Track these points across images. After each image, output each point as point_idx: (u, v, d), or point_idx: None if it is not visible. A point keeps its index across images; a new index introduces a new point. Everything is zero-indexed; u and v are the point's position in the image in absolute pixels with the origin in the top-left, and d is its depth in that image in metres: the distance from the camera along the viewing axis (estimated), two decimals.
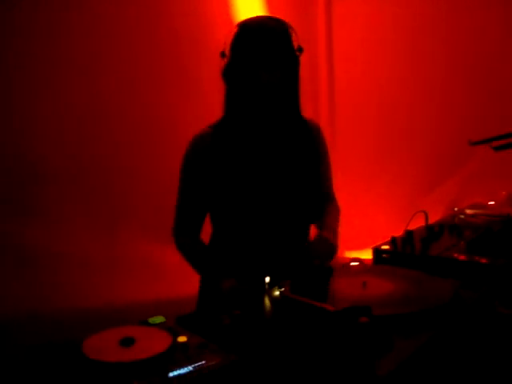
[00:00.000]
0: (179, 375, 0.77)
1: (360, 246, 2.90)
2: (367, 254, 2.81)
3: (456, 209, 2.07)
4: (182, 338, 0.88)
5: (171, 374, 0.77)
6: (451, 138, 2.54)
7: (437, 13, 2.63)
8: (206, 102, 2.50)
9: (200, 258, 1.48)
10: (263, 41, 1.34)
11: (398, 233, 2.68)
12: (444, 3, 2.65)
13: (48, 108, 2.11)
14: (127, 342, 0.84)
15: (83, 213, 2.21)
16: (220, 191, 1.42)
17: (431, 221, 1.89)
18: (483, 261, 1.39)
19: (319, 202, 1.52)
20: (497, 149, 1.97)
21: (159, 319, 0.99)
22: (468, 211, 2.01)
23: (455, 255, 1.45)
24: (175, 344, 0.86)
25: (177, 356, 0.83)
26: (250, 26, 1.38)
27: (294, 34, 1.40)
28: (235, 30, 1.40)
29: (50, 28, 2.08)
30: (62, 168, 2.19)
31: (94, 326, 2.06)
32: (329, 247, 1.38)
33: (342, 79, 2.79)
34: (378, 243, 2.90)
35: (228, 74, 1.40)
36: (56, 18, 2.09)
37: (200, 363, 0.81)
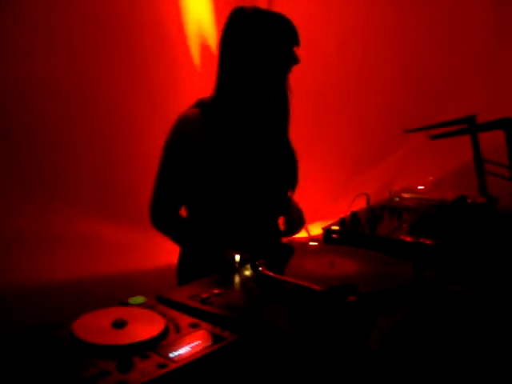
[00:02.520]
0: (179, 355, 0.78)
1: None
2: (300, 233, 2.93)
3: (391, 192, 2.19)
4: (171, 319, 0.88)
5: (171, 355, 0.77)
6: (387, 124, 2.67)
7: (374, 8, 2.73)
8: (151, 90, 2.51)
9: (188, 234, 1.49)
10: (297, 44, 1.48)
11: (333, 212, 2.80)
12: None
13: None
14: (119, 325, 0.83)
15: (16, 187, 2.10)
16: (209, 171, 1.44)
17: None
18: (428, 242, 1.49)
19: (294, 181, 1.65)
20: (433, 138, 2.11)
21: (140, 299, 0.98)
22: (404, 195, 2.13)
23: (402, 237, 1.54)
24: (167, 325, 0.85)
25: (171, 336, 0.83)
26: (291, 25, 1.47)
27: None
28: (261, 16, 1.45)
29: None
30: None
31: (37, 303, 1.99)
32: (301, 213, 1.67)
33: None
34: (314, 222, 3.01)
35: (243, 57, 1.44)
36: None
37: (196, 343, 0.81)
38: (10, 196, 2.08)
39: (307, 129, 2.91)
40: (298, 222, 1.69)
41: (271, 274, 1.03)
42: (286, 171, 1.62)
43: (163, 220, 1.48)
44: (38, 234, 2.12)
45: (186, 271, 1.57)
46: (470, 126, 2.20)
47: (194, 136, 1.43)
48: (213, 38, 2.84)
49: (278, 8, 2.92)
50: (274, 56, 1.45)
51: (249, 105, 1.51)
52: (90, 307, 2.01)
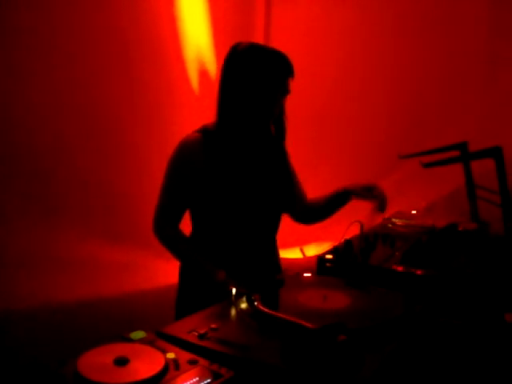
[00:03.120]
0: None
1: (287, 245, 3.04)
2: (295, 254, 2.97)
3: (384, 217, 2.24)
4: (170, 355, 0.93)
5: None
6: (381, 149, 2.73)
7: (372, 35, 2.80)
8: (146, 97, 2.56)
9: (185, 249, 1.63)
10: (292, 76, 1.58)
11: (328, 234, 2.85)
12: (386, 14, 2.81)
13: None
14: (122, 362, 0.87)
15: (20, 209, 2.14)
16: (208, 192, 1.58)
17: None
18: (419, 272, 1.54)
19: (288, 208, 1.78)
20: (426, 166, 2.17)
21: (140, 334, 1.02)
22: (396, 221, 2.18)
23: (394, 266, 1.59)
24: (167, 361, 0.90)
25: (171, 374, 0.87)
26: (285, 60, 1.57)
27: None
28: (257, 52, 1.56)
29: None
30: None
31: (39, 327, 2.02)
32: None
33: None
34: (310, 243, 3.05)
35: (240, 90, 1.55)
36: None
37: (194, 380, 0.86)
38: (11, 217, 2.11)
39: (304, 150, 2.97)
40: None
41: (266, 310, 1.08)
42: (282, 193, 1.72)
43: (164, 233, 1.62)
44: (40, 254, 2.15)
45: (185, 285, 1.68)
46: (462, 154, 2.25)
47: (193, 159, 1.56)
48: (211, 62, 2.89)
49: (275, 33, 3.00)
50: (267, 89, 1.56)
51: (246, 131, 1.62)
52: (93, 330, 2.05)
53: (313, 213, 1.89)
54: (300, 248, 2.86)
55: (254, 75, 1.54)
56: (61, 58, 2.22)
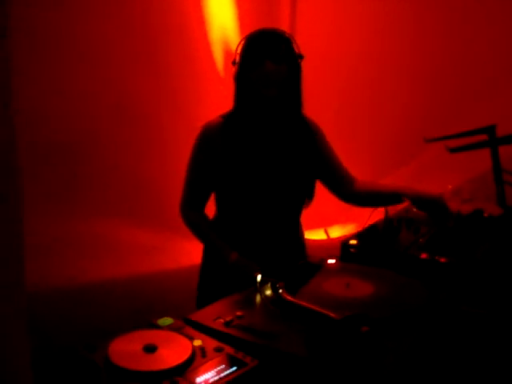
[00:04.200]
0: (205, 380, 0.85)
1: (311, 226, 3.05)
2: (320, 235, 2.99)
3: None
4: (197, 342, 0.96)
5: (198, 380, 0.85)
6: (406, 132, 2.70)
7: (401, 14, 2.75)
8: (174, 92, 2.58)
9: (205, 233, 1.69)
10: (269, 44, 1.58)
11: (352, 215, 2.84)
12: (409, 5, 2.76)
13: None
14: (150, 349, 0.90)
15: (51, 195, 2.19)
16: (227, 175, 1.64)
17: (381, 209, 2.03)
18: (442, 260, 1.54)
19: (310, 191, 1.77)
20: (453, 151, 2.14)
21: (168, 321, 1.05)
22: None
23: (418, 253, 1.59)
24: (194, 349, 0.93)
25: (197, 361, 0.90)
26: (256, 35, 1.61)
27: (294, 43, 1.66)
28: (244, 40, 1.63)
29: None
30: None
31: (68, 307, 2.07)
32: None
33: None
34: (329, 225, 3.06)
35: (238, 77, 1.63)
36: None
37: (220, 367, 0.89)
38: (42, 201, 2.16)
39: (328, 134, 2.96)
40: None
41: (290, 298, 1.10)
42: (306, 174, 1.73)
43: (188, 217, 1.70)
44: (68, 237, 2.21)
45: (208, 267, 1.75)
46: (489, 139, 2.21)
47: (212, 143, 1.64)
48: (236, 44, 2.88)
49: (300, 16, 2.97)
50: (244, 70, 1.62)
51: (258, 113, 1.67)
52: (119, 309, 2.10)
53: (359, 198, 1.89)
54: (324, 229, 2.87)
55: (239, 58, 1.63)
56: (86, 44, 2.25)
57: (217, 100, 2.68)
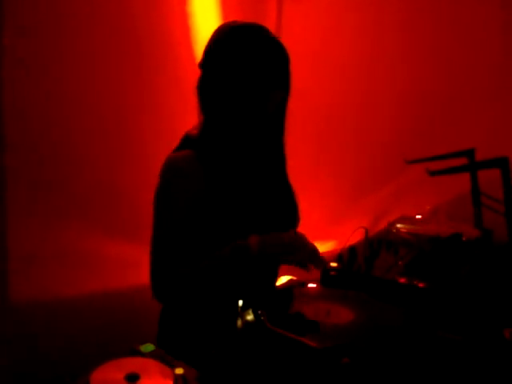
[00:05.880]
0: None
1: None
2: None
3: (389, 222, 2.26)
4: (178, 371, 0.96)
5: None
6: (387, 153, 2.75)
7: (385, 38, 2.80)
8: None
9: (213, 258, 1.31)
10: (278, 68, 1.33)
11: (332, 232, 2.87)
12: (396, 16, 2.81)
13: None
14: (133, 378, 0.91)
15: (30, 206, 2.17)
16: (208, 214, 1.33)
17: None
18: (421, 285, 1.57)
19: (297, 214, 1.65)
20: (433, 174, 2.18)
21: (150, 347, 1.05)
22: (400, 227, 2.19)
23: (396, 277, 1.62)
24: (176, 377, 0.93)
25: None
26: (260, 36, 1.32)
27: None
28: (224, 34, 1.29)
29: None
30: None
31: (48, 320, 2.05)
32: None
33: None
34: (314, 241, 3.07)
35: (217, 89, 1.31)
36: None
37: None
38: (21, 213, 2.14)
39: (307, 152, 2.99)
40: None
41: (272, 326, 1.11)
42: (286, 210, 1.64)
43: (177, 273, 1.28)
44: (48, 250, 2.19)
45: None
46: (468, 163, 2.27)
47: (192, 182, 1.31)
48: None
49: (286, 29, 3.00)
50: (260, 82, 1.33)
51: (238, 135, 1.40)
52: (99, 324, 2.08)
53: None
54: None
55: (247, 63, 1.30)
56: (68, 54, 2.22)
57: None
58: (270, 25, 3.08)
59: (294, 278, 1.67)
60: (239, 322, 1.19)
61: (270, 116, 1.40)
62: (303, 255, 1.39)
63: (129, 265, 2.52)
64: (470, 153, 2.40)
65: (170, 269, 1.26)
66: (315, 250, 1.43)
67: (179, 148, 1.39)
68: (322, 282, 1.65)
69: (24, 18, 2.04)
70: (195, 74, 2.79)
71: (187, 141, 1.40)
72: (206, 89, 1.36)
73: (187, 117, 2.69)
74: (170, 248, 1.27)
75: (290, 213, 1.67)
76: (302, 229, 2.81)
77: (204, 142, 1.36)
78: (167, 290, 1.29)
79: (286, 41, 2.94)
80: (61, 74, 2.19)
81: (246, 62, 1.30)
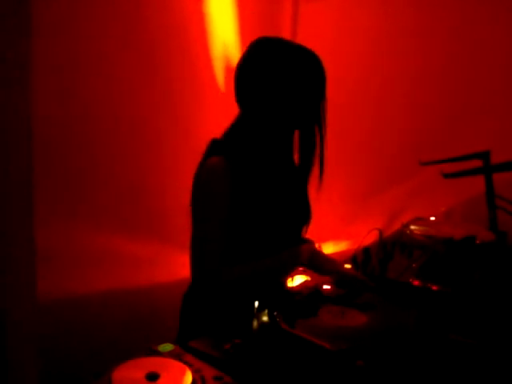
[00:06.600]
0: None
1: None
2: None
3: (403, 224, 2.27)
4: (197, 370, 0.99)
5: None
6: (400, 153, 2.75)
7: (392, 41, 2.80)
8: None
9: (263, 262, 1.45)
10: (319, 70, 1.48)
11: (346, 232, 2.87)
12: (410, 19, 2.81)
13: None
14: (153, 377, 0.93)
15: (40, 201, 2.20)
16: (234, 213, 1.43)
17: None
18: (434, 288, 1.58)
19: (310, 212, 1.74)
20: (447, 176, 2.19)
21: (168, 347, 1.08)
22: (414, 229, 2.20)
23: (410, 280, 1.63)
24: (194, 377, 0.96)
25: None
26: (316, 61, 1.47)
27: None
28: (298, 55, 1.44)
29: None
30: None
31: (59, 320, 2.09)
32: None
33: None
34: (327, 240, 3.09)
35: (259, 92, 1.41)
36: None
37: None
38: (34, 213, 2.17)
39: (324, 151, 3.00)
40: None
41: (287, 328, 1.13)
42: (301, 209, 1.70)
43: (231, 272, 1.41)
44: (61, 247, 2.22)
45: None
46: (484, 166, 2.27)
47: (227, 186, 1.41)
48: (237, 58, 2.91)
49: (302, 32, 3.01)
50: (306, 93, 1.44)
51: (272, 145, 1.52)
52: (113, 322, 2.10)
53: None
54: (318, 245, 2.92)
55: (291, 76, 1.41)
56: (82, 56, 2.25)
57: (217, 114, 2.71)
58: (286, 24, 3.09)
59: (309, 278, 1.69)
60: (255, 323, 1.21)
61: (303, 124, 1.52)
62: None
63: (143, 263, 2.56)
64: (485, 155, 2.39)
65: (218, 268, 1.38)
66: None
67: (208, 153, 1.48)
68: (335, 283, 1.67)
69: (39, 21, 2.07)
70: (211, 74, 2.84)
71: (215, 146, 1.48)
72: (250, 95, 1.45)
73: (201, 117, 2.74)
74: (216, 245, 1.39)
75: (304, 211, 1.72)
76: (316, 229, 2.84)
77: (234, 149, 1.45)
78: (218, 285, 1.40)
79: (302, 40, 2.95)
80: (80, 77, 2.22)
81: (290, 72, 1.41)
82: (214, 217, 1.40)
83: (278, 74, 1.40)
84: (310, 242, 1.70)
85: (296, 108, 1.44)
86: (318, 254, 1.56)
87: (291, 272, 1.56)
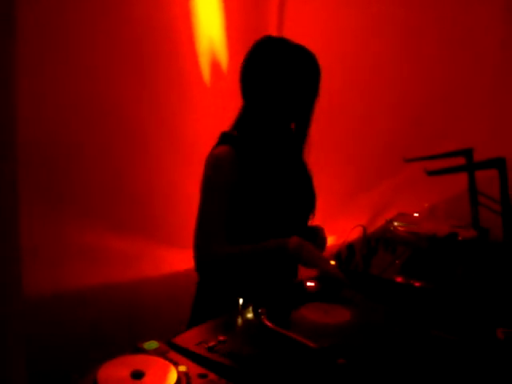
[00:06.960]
0: None
1: None
2: None
3: (387, 220, 2.30)
4: (182, 368, 1.00)
5: None
6: (384, 150, 2.78)
7: (385, 39, 2.81)
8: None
9: (255, 246, 1.53)
10: (315, 70, 1.62)
11: (329, 227, 2.89)
12: (396, 18, 2.83)
13: None
14: (138, 376, 0.94)
15: (27, 197, 2.19)
16: (241, 201, 1.55)
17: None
18: (417, 284, 1.61)
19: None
20: (430, 173, 2.22)
21: (153, 344, 1.09)
22: (398, 225, 2.23)
23: (393, 276, 1.66)
24: (179, 375, 0.97)
25: None
26: (315, 61, 1.61)
27: None
28: (290, 52, 1.56)
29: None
30: None
31: (48, 315, 2.09)
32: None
33: None
34: None
35: (271, 90, 1.55)
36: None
37: None
38: (24, 208, 2.16)
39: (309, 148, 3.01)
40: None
41: (270, 325, 1.15)
42: (307, 196, 1.77)
43: (221, 250, 1.51)
44: (48, 244, 2.21)
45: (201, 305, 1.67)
46: (466, 163, 2.30)
47: (231, 173, 1.54)
48: (223, 54, 2.92)
49: (288, 29, 3.02)
50: (305, 90, 1.59)
51: (274, 135, 1.65)
52: (101, 317, 2.10)
53: None
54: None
55: (290, 74, 1.55)
56: (68, 53, 2.24)
57: (202, 110, 2.72)
58: (272, 22, 3.10)
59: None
60: (239, 320, 1.23)
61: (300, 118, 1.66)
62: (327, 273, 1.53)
63: (130, 259, 2.56)
64: (468, 152, 2.43)
65: (211, 244, 1.50)
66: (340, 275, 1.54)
67: (218, 144, 1.61)
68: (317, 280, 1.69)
69: (24, 21, 2.05)
70: (197, 71, 2.83)
71: (225, 138, 1.61)
72: (253, 90, 1.59)
73: (188, 112, 2.74)
74: (215, 227, 1.51)
75: (309, 200, 1.78)
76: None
77: (241, 139, 1.59)
78: (210, 264, 1.51)
79: (288, 38, 2.96)
80: (65, 73, 2.20)
81: (290, 69, 1.55)
82: (213, 200, 1.53)
83: (279, 71, 1.54)
84: (318, 229, 1.80)
85: (294, 101, 1.57)
86: (307, 249, 1.55)
87: (278, 262, 1.56)
